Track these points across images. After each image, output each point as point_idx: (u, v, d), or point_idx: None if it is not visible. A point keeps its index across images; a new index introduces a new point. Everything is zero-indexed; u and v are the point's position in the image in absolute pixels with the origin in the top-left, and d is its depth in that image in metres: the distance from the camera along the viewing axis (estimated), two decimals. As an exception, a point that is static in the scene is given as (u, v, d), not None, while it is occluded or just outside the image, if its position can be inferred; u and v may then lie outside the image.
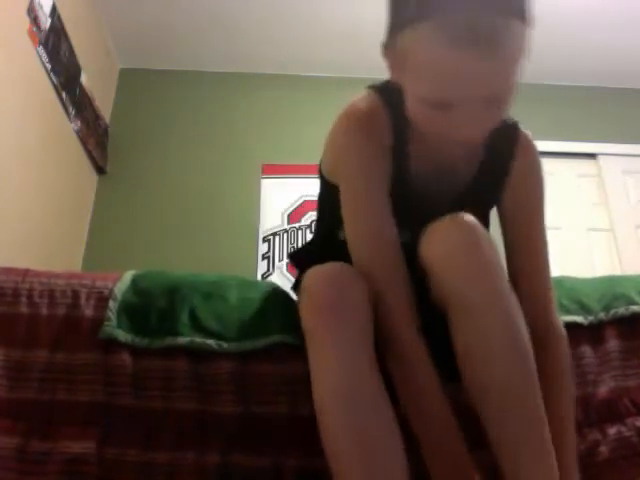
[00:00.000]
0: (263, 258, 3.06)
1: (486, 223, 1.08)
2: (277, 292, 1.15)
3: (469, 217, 0.88)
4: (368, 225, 0.94)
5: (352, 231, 0.96)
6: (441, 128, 0.83)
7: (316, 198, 1.22)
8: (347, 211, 0.97)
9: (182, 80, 3.46)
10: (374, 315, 0.86)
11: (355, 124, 0.98)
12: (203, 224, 3.10)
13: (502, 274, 0.85)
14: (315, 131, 3.38)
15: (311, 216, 3.16)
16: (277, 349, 1.02)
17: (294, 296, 1.14)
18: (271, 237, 3.12)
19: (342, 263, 0.88)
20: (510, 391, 0.80)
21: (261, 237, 3.11)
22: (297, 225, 3.16)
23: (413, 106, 0.85)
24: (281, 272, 3.00)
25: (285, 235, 3.13)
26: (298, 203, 3.21)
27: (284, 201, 3.21)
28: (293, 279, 1.26)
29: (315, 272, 0.87)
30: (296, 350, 0.99)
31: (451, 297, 0.85)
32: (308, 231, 3.14)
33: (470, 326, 0.83)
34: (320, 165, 1.14)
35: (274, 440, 0.98)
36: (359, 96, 1.02)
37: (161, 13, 3.06)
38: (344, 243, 0.97)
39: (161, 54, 3.39)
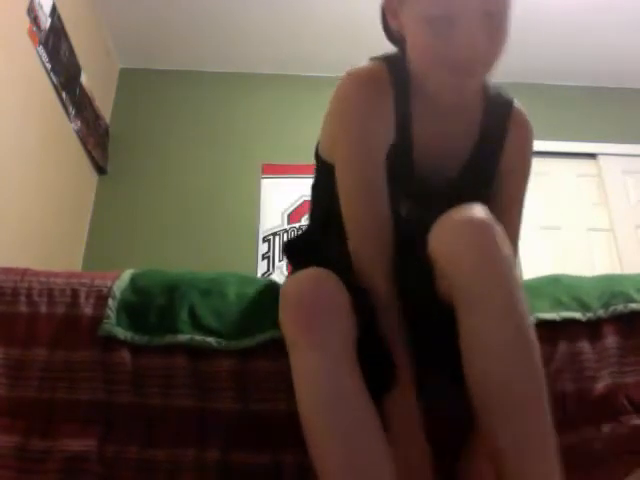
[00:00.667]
0: (263, 258, 3.06)
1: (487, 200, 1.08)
2: (275, 288, 1.15)
3: (481, 212, 0.85)
4: (362, 180, 0.97)
5: (346, 196, 0.98)
6: (443, 52, 0.87)
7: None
8: (343, 181, 0.99)
9: (182, 80, 3.46)
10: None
11: (359, 82, 0.99)
12: (203, 224, 3.10)
13: (511, 271, 0.82)
14: (315, 131, 3.37)
15: (311, 216, 3.16)
16: (276, 345, 1.02)
17: None
18: (271, 237, 3.12)
19: (322, 269, 0.86)
20: (512, 388, 0.78)
21: (261, 237, 3.11)
22: (297, 225, 3.16)
23: (415, 35, 0.89)
24: (281, 272, 3.00)
25: (285, 235, 3.13)
26: (298, 203, 3.21)
27: (284, 201, 3.22)
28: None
29: (294, 279, 0.85)
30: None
31: (458, 293, 0.83)
32: (308, 231, 3.14)
33: (473, 321, 0.81)
34: (317, 148, 1.13)
35: (273, 437, 0.98)
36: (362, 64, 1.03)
37: (161, 13, 3.07)
38: (342, 228, 0.97)
39: (161, 54, 3.39)
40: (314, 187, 1.20)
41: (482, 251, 0.80)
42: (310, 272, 0.85)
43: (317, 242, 1.15)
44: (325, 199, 1.11)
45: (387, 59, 1.02)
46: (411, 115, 1.00)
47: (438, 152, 1.02)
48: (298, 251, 1.22)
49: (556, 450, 0.77)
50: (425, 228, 0.88)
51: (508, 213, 1.07)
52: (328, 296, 0.81)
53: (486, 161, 1.06)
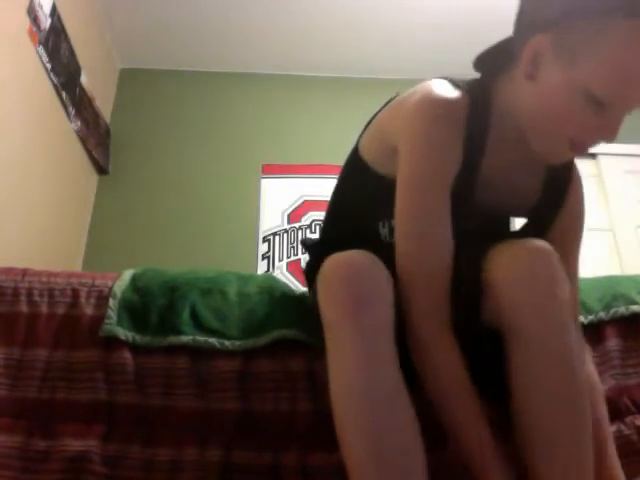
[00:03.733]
0: (263, 258, 3.05)
1: None
2: (275, 286, 1.15)
3: (547, 247, 0.85)
4: (428, 233, 0.88)
5: (407, 232, 0.89)
6: (578, 128, 0.84)
7: (318, 198, 1.18)
8: (407, 207, 0.90)
9: (182, 80, 3.46)
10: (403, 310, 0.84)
11: (435, 115, 0.89)
12: (203, 224, 3.10)
13: (570, 312, 0.84)
14: (315, 131, 3.39)
15: (311, 216, 3.15)
16: (278, 345, 1.02)
17: (293, 285, 1.14)
18: (271, 237, 3.12)
19: (363, 251, 0.84)
20: (558, 430, 0.80)
21: (261, 237, 3.11)
22: (297, 225, 3.15)
23: (563, 99, 0.82)
24: (281, 272, 3.00)
25: (285, 235, 3.13)
26: (298, 203, 3.21)
27: (284, 201, 3.21)
28: (293, 279, 1.24)
29: (335, 262, 0.83)
30: (297, 346, 1.00)
31: (513, 328, 0.84)
32: (308, 231, 3.14)
33: (527, 364, 0.82)
34: (359, 145, 1.05)
35: (275, 436, 0.98)
36: (443, 84, 0.92)
37: (161, 13, 3.07)
38: (386, 243, 0.94)
39: (161, 54, 3.38)
40: (344, 185, 1.12)
41: (545, 294, 0.82)
42: (352, 254, 0.83)
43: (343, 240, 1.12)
44: (365, 204, 1.05)
45: (471, 91, 0.92)
46: (484, 149, 0.94)
47: (504, 189, 0.98)
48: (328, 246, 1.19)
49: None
50: (470, 260, 0.89)
51: (568, 262, 1.03)
52: (371, 279, 0.80)
53: (544, 217, 1.05)
